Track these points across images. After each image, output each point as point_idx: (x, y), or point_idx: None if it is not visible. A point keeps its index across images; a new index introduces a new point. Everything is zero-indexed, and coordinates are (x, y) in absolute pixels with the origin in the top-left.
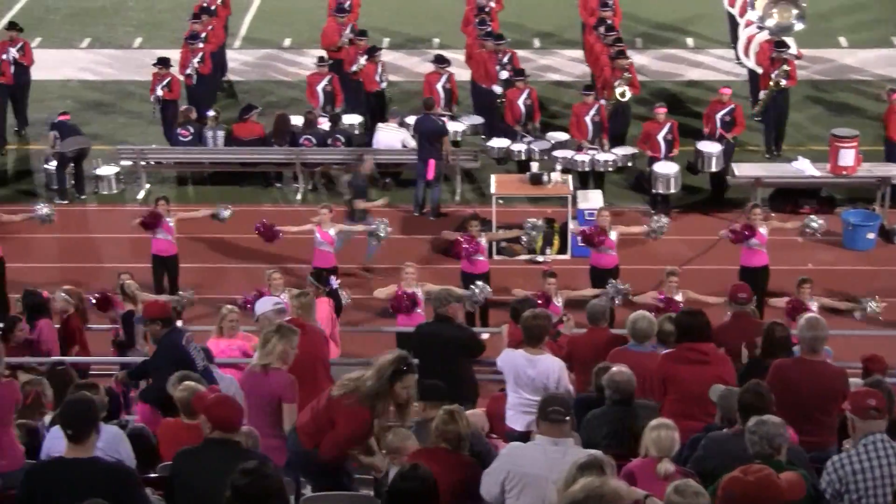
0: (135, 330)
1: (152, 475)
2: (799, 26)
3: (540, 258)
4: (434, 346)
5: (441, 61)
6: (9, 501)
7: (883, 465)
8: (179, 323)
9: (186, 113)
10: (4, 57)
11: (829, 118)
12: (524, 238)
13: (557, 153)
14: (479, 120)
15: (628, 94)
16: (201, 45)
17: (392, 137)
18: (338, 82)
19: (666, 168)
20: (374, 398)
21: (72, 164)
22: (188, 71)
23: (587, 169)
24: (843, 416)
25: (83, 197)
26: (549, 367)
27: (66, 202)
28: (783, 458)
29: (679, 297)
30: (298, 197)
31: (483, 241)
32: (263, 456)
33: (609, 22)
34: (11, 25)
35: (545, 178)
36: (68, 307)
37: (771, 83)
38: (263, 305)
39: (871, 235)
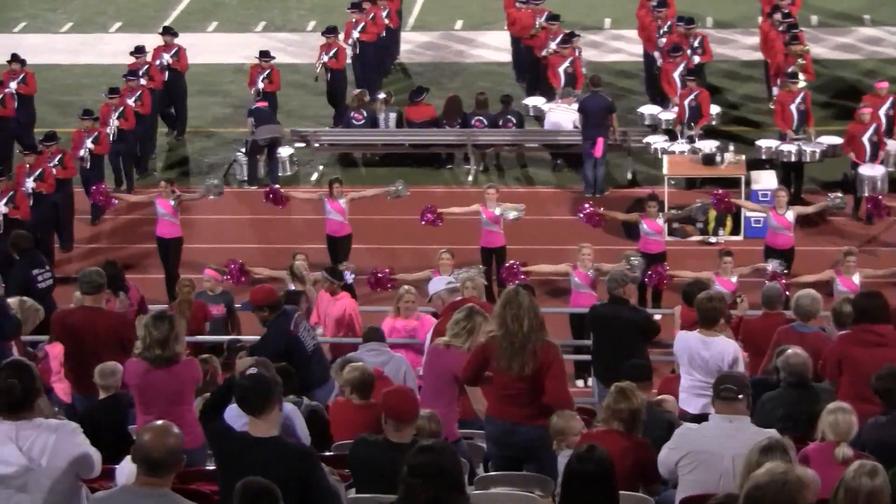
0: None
1: (328, 453)
2: None
3: (713, 239)
4: (609, 327)
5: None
6: (189, 477)
7: None
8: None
9: (360, 96)
10: (158, 62)
11: None
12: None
13: (761, 142)
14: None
15: (802, 82)
16: (356, 34)
17: (563, 118)
18: (579, 64)
19: (872, 171)
20: None
21: (266, 152)
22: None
23: (793, 160)
24: None
25: (276, 186)
26: (724, 349)
27: (254, 188)
28: None
29: (856, 278)
30: (469, 178)
31: (660, 221)
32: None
33: (786, 10)
34: (166, 30)
35: (718, 158)
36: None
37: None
38: (436, 285)
39: None
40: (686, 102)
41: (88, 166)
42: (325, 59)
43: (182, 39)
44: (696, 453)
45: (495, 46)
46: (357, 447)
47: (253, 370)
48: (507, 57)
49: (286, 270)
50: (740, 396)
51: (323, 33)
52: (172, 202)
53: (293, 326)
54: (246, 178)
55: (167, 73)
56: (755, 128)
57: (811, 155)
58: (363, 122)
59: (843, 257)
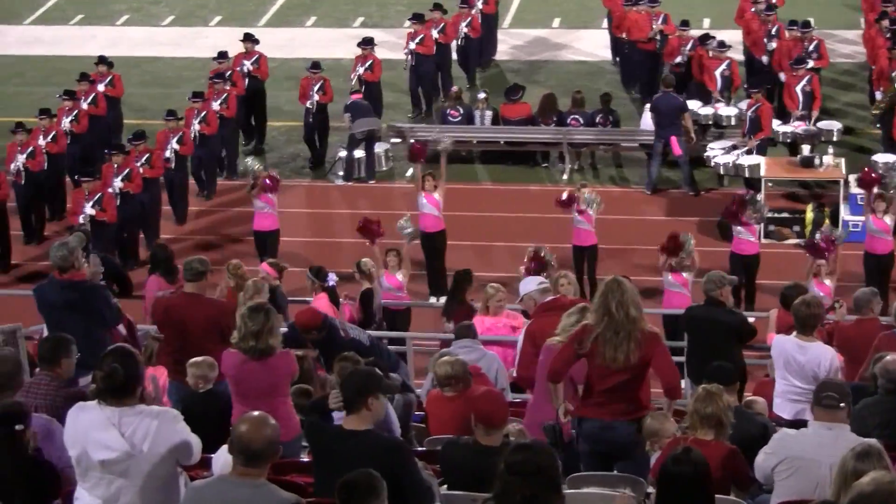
0: (374, 307)
1: (421, 449)
2: None
3: None
4: (705, 329)
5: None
6: (284, 469)
7: None
8: None
9: (457, 93)
10: (238, 69)
11: None
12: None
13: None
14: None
15: None
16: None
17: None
18: (736, 67)
19: None
20: None
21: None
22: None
23: None
24: None
25: (372, 182)
26: (821, 355)
27: (349, 184)
28: None
29: None
30: (564, 177)
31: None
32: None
33: (893, 16)
34: (247, 37)
35: (817, 160)
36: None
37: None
38: (528, 285)
39: None
40: (748, 114)
41: (173, 167)
42: (361, 70)
43: (281, 34)
44: (794, 459)
45: (592, 44)
46: (447, 449)
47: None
48: (604, 55)
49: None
50: (842, 405)
51: (359, 44)
52: (271, 195)
53: (343, 334)
54: (342, 174)
55: (247, 81)
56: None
57: None
58: (459, 118)
59: None
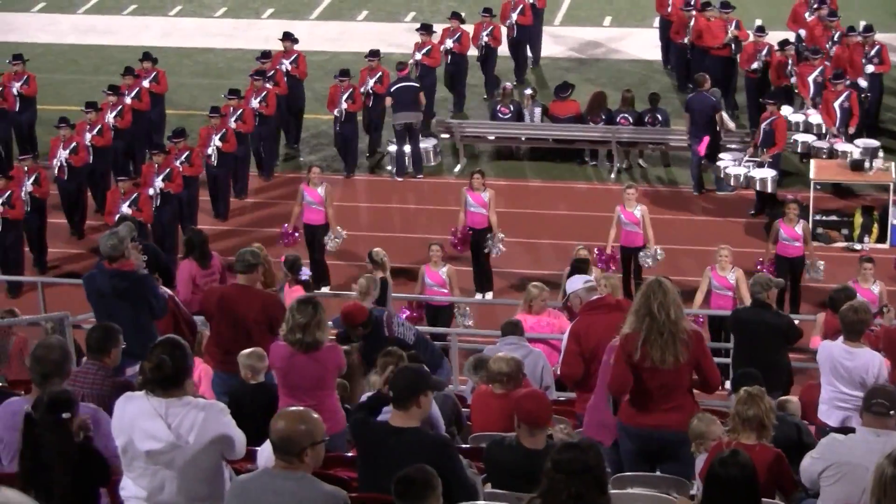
0: (388, 296)
1: (465, 446)
2: None
3: (858, 246)
4: (751, 331)
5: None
6: (329, 462)
7: None
8: None
9: (508, 91)
10: (279, 67)
11: None
12: None
13: None
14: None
15: None
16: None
17: None
18: (856, 99)
19: None
20: None
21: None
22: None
23: None
24: None
25: (420, 176)
26: (869, 361)
27: (399, 178)
28: None
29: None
30: (612, 176)
31: (798, 228)
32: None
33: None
34: (286, 36)
35: (867, 164)
36: None
37: None
38: (574, 284)
39: None
40: (762, 127)
41: (216, 163)
42: (371, 83)
43: (332, 27)
44: (841, 465)
45: (643, 43)
46: (491, 450)
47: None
48: (654, 55)
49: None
50: (892, 412)
51: (366, 56)
52: (320, 190)
53: (387, 330)
54: (394, 170)
55: (286, 79)
56: None
57: None
58: (510, 115)
59: None
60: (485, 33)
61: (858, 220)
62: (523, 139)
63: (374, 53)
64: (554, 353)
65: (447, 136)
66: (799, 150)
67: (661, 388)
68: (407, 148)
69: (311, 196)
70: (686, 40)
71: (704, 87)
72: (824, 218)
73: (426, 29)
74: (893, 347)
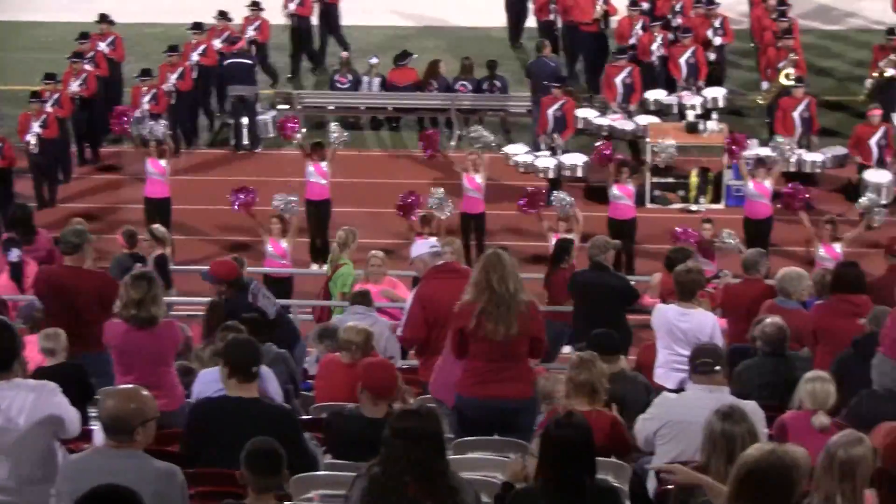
0: (169, 272)
1: (307, 417)
2: None
3: (693, 207)
4: (591, 293)
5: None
6: (167, 439)
7: None
8: None
9: (346, 59)
10: (98, 49)
11: None
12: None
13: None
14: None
15: (793, 78)
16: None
17: None
18: (638, 74)
19: (877, 176)
20: None
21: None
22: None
23: (792, 170)
24: None
25: (259, 150)
26: (703, 321)
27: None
28: None
29: (839, 247)
30: (453, 143)
31: (631, 185)
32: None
33: None
34: (102, 18)
35: (701, 126)
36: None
37: (875, 72)
38: (419, 248)
39: None
40: (550, 112)
41: (37, 150)
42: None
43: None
44: (675, 423)
45: (481, 10)
46: (332, 420)
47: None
48: (493, 22)
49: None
50: (717, 368)
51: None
52: (163, 162)
53: (251, 298)
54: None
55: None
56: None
57: (811, 166)
58: (348, 84)
59: (825, 225)
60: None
61: (694, 181)
62: (363, 108)
63: (197, 26)
64: (395, 322)
65: (286, 107)
66: (652, 107)
67: (498, 359)
68: (245, 120)
69: (153, 167)
70: (552, 17)
71: (544, 53)
72: (661, 180)
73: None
74: (733, 301)
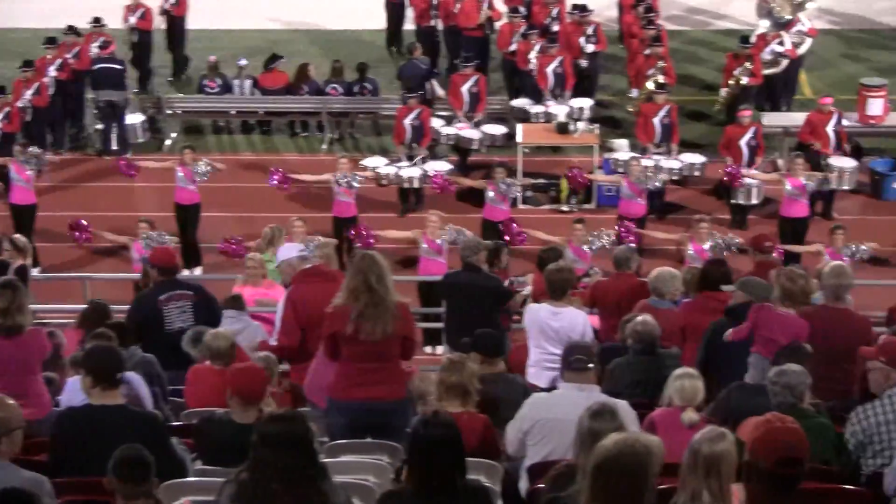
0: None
1: (178, 423)
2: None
3: (565, 207)
4: (464, 294)
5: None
6: (34, 448)
7: None
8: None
9: (214, 63)
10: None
11: (856, 67)
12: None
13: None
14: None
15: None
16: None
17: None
18: (484, 83)
19: (749, 177)
20: None
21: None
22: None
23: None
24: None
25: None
26: (574, 319)
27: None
28: (806, 406)
29: (708, 245)
30: (324, 146)
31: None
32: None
33: (649, 2)
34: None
35: (572, 126)
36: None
37: (731, 80)
38: (287, 252)
39: None
40: (407, 122)
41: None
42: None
43: None
44: (546, 421)
45: (353, 13)
46: (202, 426)
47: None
48: (366, 24)
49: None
50: (590, 366)
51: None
52: (29, 169)
53: (164, 298)
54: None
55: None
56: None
57: (668, 171)
58: (217, 89)
59: (696, 224)
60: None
61: (565, 182)
62: (234, 112)
63: (50, 41)
64: (271, 326)
65: (155, 110)
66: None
67: (372, 361)
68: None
69: (17, 173)
70: (433, 22)
71: (415, 55)
72: (533, 181)
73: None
74: (602, 299)
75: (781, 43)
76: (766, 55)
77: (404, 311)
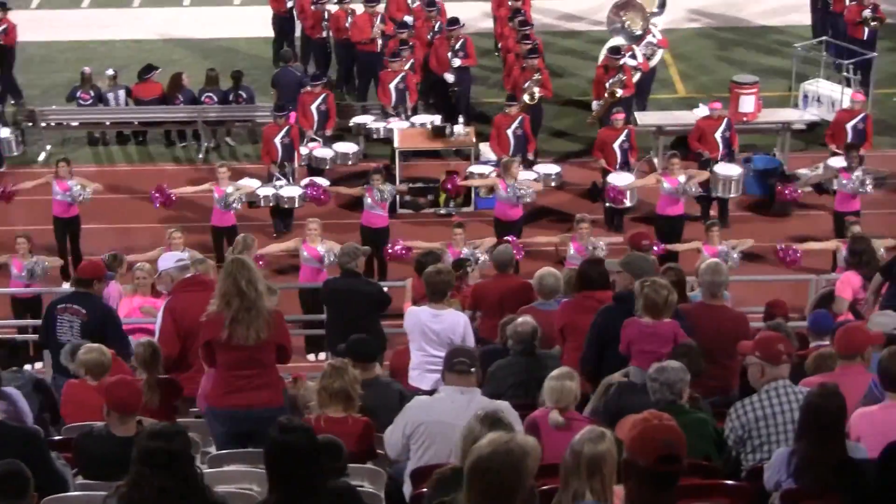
0: None
1: (57, 437)
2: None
3: (443, 210)
4: (344, 301)
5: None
6: None
7: (786, 412)
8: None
9: (88, 75)
10: None
11: (727, 66)
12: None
13: (474, 168)
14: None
15: (538, 98)
16: None
17: None
18: (332, 101)
19: (621, 180)
20: None
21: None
22: None
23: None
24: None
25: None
26: (455, 322)
27: None
28: (685, 403)
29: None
30: (200, 156)
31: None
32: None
33: (523, 15)
34: None
35: (448, 130)
36: None
37: (606, 94)
38: (166, 262)
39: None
40: (278, 140)
41: None
42: None
43: None
44: (429, 424)
45: (228, 22)
46: (82, 440)
47: None
48: (239, 32)
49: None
50: (473, 370)
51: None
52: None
53: (61, 307)
54: None
55: None
56: None
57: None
58: (90, 101)
59: (576, 224)
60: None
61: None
62: (108, 123)
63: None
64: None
65: (30, 123)
66: (353, 131)
67: (247, 368)
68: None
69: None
70: (325, 34)
71: (290, 63)
72: (411, 185)
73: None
74: (483, 300)
75: (634, 56)
76: None
77: (278, 319)
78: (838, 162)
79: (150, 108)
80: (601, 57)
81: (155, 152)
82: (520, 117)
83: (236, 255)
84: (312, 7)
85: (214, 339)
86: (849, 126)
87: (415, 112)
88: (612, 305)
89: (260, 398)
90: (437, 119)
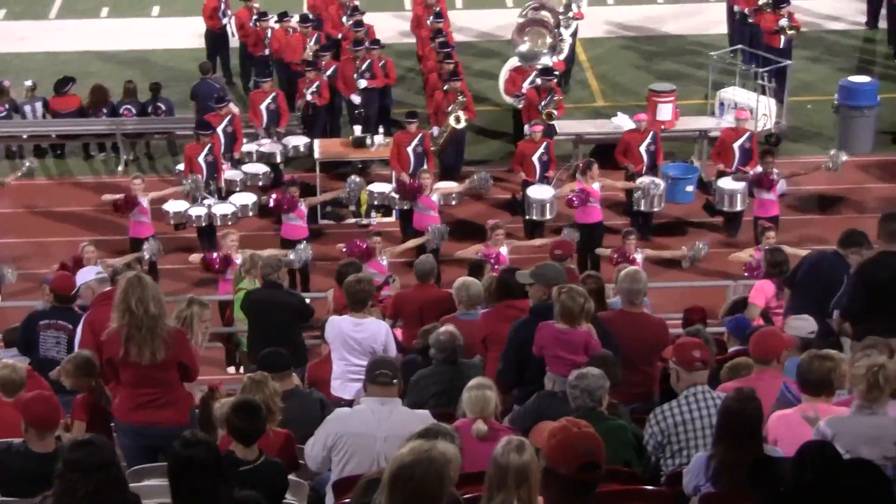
0: None
1: None
2: (547, 59)
3: (365, 220)
4: (266, 312)
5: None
6: None
7: (704, 417)
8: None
9: (6, 88)
10: None
11: (645, 75)
12: (344, 193)
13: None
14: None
15: (464, 121)
16: None
17: None
18: (283, 100)
19: (540, 192)
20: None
21: None
22: None
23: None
24: (666, 367)
25: None
26: (377, 330)
27: None
28: (604, 410)
29: (504, 251)
30: (120, 168)
31: (303, 206)
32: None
33: (444, 36)
34: None
35: (368, 140)
36: None
37: (543, 115)
38: (85, 275)
39: (690, 188)
40: (201, 159)
41: None
42: None
43: None
44: (350, 436)
45: (142, 34)
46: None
47: None
48: (156, 44)
49: None
50: (395, 381)
51: None
52: None
53: (44, 323)
54: None
55: None
56: None
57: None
58: (5, 113)
59: (490, 231)
60: None
61: (364, 196)
62: (25, 136)
63: None
64: None
65: None
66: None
67: (148, 386)
68: None
69: None
70: (266, 52)
71: (209, 75)
72: (333, 195)
73: None
74: (404, 310)
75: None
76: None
77: (179, 337)
78: (728, 183)
79: (69, 120)
80: (503, 75)
81: (73, 165)
82: (420, 134)
83: (137, 273)
84: (253, 26)
85: (114, 357)
86: (735, 145)
87: (287, 133)
88: (528, 319)
89: (164, 417)
90: (303, 141)
